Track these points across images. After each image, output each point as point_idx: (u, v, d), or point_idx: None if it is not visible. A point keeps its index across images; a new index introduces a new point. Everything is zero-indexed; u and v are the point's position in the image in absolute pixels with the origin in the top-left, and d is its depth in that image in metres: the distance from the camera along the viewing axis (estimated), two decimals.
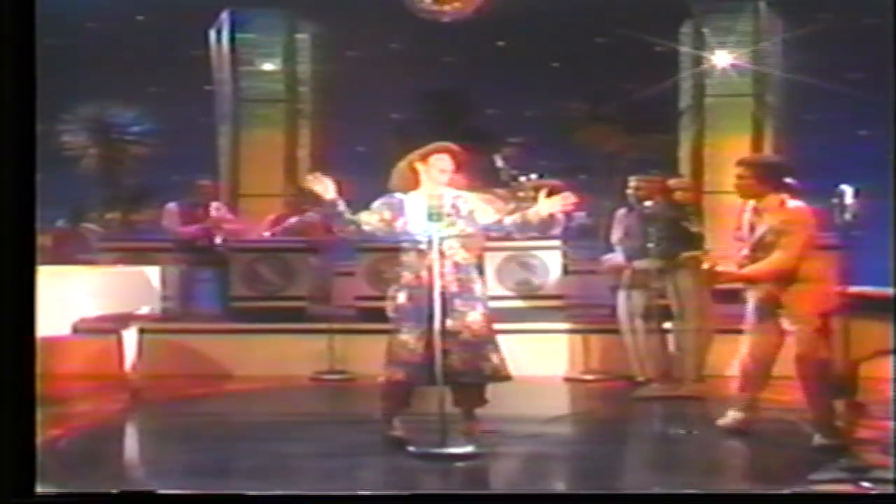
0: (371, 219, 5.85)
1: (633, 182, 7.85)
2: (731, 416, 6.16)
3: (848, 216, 5.08)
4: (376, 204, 5.88)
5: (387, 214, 5.84)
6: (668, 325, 7.72)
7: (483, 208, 5.93)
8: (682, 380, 7.53)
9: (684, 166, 11.36)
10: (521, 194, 9.46)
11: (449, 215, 5.76)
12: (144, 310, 7.47)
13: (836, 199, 5.11)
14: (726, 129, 11.42)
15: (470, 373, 5.77)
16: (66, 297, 6.61)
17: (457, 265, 5.78)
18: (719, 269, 5.96)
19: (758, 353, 5.97)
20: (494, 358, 5.84)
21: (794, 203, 5.77)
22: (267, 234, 9.79)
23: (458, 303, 5.71)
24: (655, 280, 7.60)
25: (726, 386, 7.29)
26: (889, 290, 5.56)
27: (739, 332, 6.15)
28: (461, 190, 6.00)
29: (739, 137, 11.21)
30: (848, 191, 5.09)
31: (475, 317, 5.78)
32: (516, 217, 5.99)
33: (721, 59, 11.55)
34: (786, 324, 5.79)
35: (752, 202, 5.93)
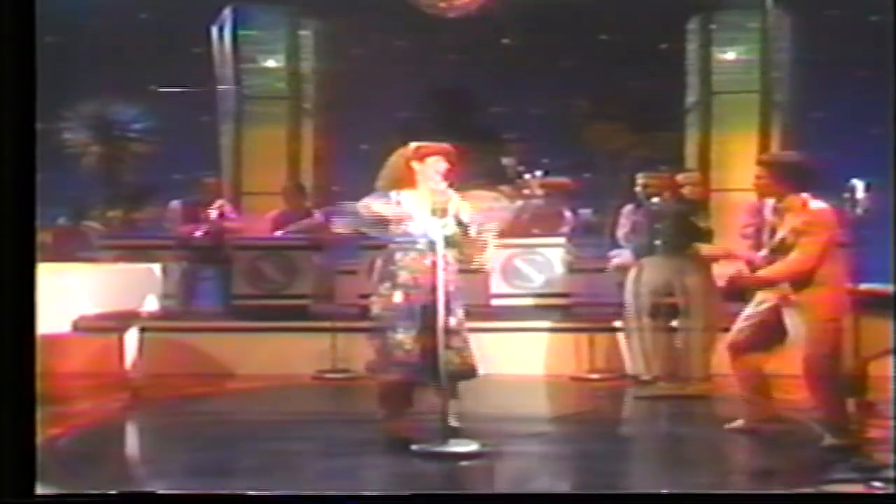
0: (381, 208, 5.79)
1: (641, 179, 7.82)
2: (744, 416, 6.10)
3: (859, 211, 5.01)
4: (369, 201, 5.82)
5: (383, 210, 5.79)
6: (675, 322, 7.66)
7: (464, 205, 5.91)
8: (689, 378, 7.47)
9: (691, 164, 11.25)
10: (526, 192, 9.44)
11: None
12: (146, 308, 7.41)
13: (847, 194, 5.05)
14: (733, 127, 11.36)
15: (470, 370, 5.82)
16: (67, 295, 6.56)
17: (450, 264, 5.76)
18: (740, 273, 5.88)
19: (763, 353, 5.90)
20: None
21: (816, 204, 5.67)
22: (279, 232, 9.69)
23: (452, 301, 5.71)
24: (663, 277, 7.54)
25: (733, 385, 7.23)
26: None
27: None
28: (459, 188, 5.98)
29: (747, 135, 11.15)
30: (859, 185, 5.03)
31: (462, 314, 5.83)
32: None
33: (728, 55, 11.49)
34: (796, 325, 5.70)
35: (770, 202, 5.85)
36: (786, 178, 5.74)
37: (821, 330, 5.58)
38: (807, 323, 5.63)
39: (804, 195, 5.67)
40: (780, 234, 5.70)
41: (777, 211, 5.78)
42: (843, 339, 5.46)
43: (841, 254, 5.63)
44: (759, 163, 5.99)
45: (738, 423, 6.12)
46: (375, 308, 5.84)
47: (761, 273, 5.75)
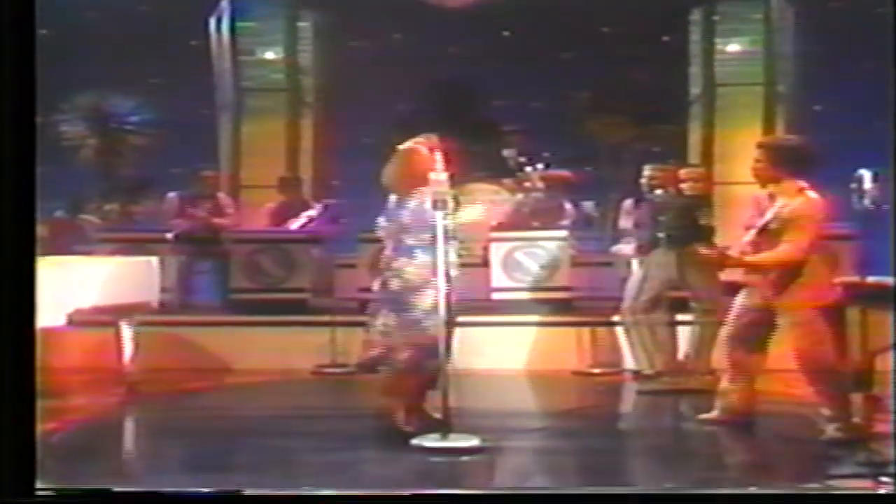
0: None
1: (646, 171, 7.77)
2: (719, 407, 6.08)
3: (867, 202, 4.95)
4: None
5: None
6: (678, 317, 7.59)
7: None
8: (692, 373, 7.41)
9: (694, 157, 11.26)
10: (527, 185, 9.38)
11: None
12: (143, 301, 7.34)
13: (855, 185, 4.99)
14: (737, 119, 11.32)
15: None
16: (63, 289, 6.49)
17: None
18: (729, 252, 5.82)
19: (746, 342, 5.87)
20: None
21: (810, 194, 5.62)
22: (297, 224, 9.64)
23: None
24: (666, 271, 7.47)
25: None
26: None
27: None
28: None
29: (750, 127, 11.09)
30: (867, 175, 4.97)
31: None
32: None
33: (731, 47, 11.44)
34: (782, 318, 5.67)
35: (769, 188, 5.78)
36: (784, 162, 5.69)
37: (806, 323, 5.55)
38: (792, 316, 5.60)
39: (800, 182, 5.62)
40: (767, 217, 5.65)
41: (771, 196, 5.73)
42: (830, 332, 5.45)
43: (826, 247, 5.63)
44: (759, 146, 5.93)
45: (714, 413, 6.08)
46: (430, 300, 5.73)
47: (749, 259, 5.69)
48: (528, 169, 9.52)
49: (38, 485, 4.19)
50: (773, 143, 6.22)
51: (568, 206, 9.64)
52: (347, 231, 9.43)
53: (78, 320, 6.68)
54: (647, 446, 6.29)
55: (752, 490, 4.78)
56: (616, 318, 8.07)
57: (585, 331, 8.36)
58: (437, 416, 5.57)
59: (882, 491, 4.58)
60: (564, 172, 9.74)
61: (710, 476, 5.11)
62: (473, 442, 5.48)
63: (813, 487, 4.71)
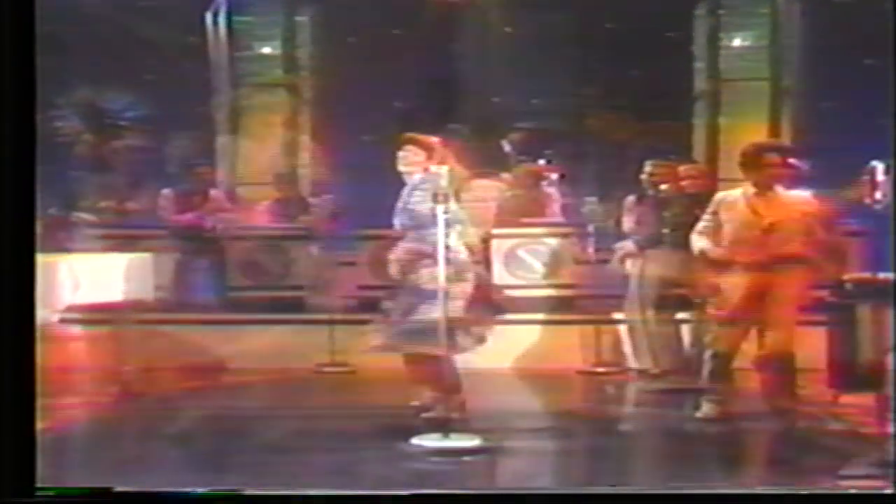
0: None
1: (648, 167, 7.73)
2: (707, 406, 6.19)
3: (879, 195, 4.90)
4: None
5: None
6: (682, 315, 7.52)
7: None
8: (698, 372, 7.32)
9: (698, 153, 11.20)
10: (529, 181, 9.33)
11: None
12: (138, 299, 7.29)
13: (867, 176, 4.93)
14: (742, 115, 11.24)
15: None
16: (58, 287, 6.43)
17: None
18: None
19: (731, 341, 6.02)
20: None
21: (806, 194, 5.73)
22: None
23: None
24: (670, 268, 7.38)
25: (743, 378, 7.10)
26: None
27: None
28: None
29: (756, 123, 11.02)
30: (880, 167, 4.91)
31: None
32: None
33: (736, 42, 11.38)
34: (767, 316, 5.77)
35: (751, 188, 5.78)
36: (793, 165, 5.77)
37: (788, 323, 5.72)
38: (774, 319, 5.75)
39: (800, 185, 5.73)
40: (773, 219, 5.65)
41: (763, 197, 5.70)
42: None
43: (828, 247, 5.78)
44: (780, 149, 5.93)
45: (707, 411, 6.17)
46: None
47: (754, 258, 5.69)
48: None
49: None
50: (788, 147, 6.28)
51: (555, 192, 9.54)
52: (346, 228, 9.37)
53: (74, 318, 6.61)
54: (651, 446, 6.29)
55: (756, 490, 4.75)
56: (620, 316, 8.01)
57: (589, 329, 8.30)
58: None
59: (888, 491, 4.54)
60: (548, 166, 9.68)
61: (717, 477, 5.08)
62: (475, 442, 5.46)
63: (818, 487, 4.69)
